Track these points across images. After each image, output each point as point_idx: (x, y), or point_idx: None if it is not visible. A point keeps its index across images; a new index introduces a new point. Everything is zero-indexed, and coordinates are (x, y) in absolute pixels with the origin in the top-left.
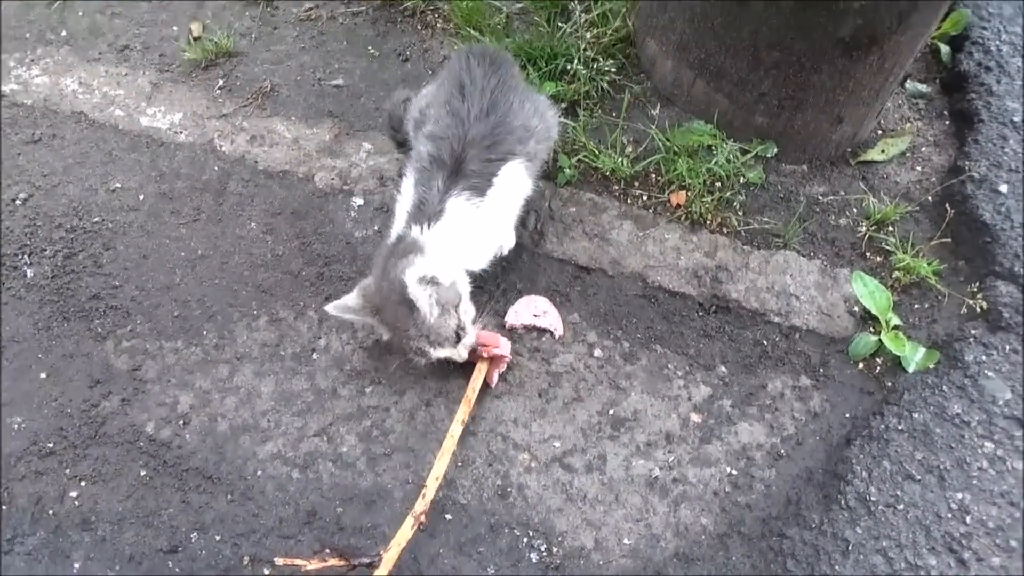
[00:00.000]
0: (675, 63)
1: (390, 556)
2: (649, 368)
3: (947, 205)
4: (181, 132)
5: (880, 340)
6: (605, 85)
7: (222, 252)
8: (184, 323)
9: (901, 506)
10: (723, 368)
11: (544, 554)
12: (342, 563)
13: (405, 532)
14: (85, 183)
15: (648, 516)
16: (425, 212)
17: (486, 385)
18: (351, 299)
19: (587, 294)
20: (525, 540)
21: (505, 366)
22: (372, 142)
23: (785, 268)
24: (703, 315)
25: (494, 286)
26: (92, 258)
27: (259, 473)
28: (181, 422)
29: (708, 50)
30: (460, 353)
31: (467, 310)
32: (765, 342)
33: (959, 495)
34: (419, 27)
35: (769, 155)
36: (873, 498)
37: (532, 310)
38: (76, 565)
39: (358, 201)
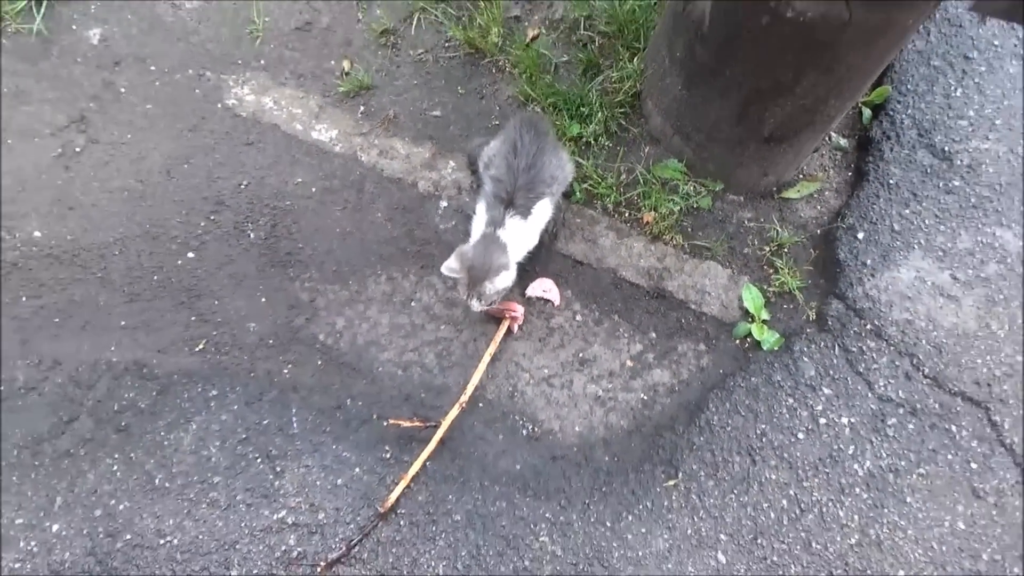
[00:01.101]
0: (662, 120)
1: (445, 423)
2: (608, 330)
3: (821, 241)
4: (336, 145)
5: (751, 328)
6: (615, 128)
7: (361, 231)
8: (338, 276)
9: (728, 428)
10: (653, 334)
11: (530, 431)
12: (420, 424)
13: (454, 412)
14: (280, 177)
15: (591, 417)
16: (497, 223)
17: (509, 332)
18: (453, 261)
19: (578, 280)
20: (520, 422)
21: (521, 320)
22: (455, 161)
23: (707, 273)
24: (648, 299)
25: (521, 270)
26: (286, 228)
27: (380, 370)
28: (338, 335)
29: (683, 120)
30: (478, 309)
31: (503, 295)
32: (683, 320)
33: (762, 426)
34: (493, 70)
35: (717, 189)
36: (714, 422)
37: (542, 287)
38: (294, 409)
39: (444, 204)
